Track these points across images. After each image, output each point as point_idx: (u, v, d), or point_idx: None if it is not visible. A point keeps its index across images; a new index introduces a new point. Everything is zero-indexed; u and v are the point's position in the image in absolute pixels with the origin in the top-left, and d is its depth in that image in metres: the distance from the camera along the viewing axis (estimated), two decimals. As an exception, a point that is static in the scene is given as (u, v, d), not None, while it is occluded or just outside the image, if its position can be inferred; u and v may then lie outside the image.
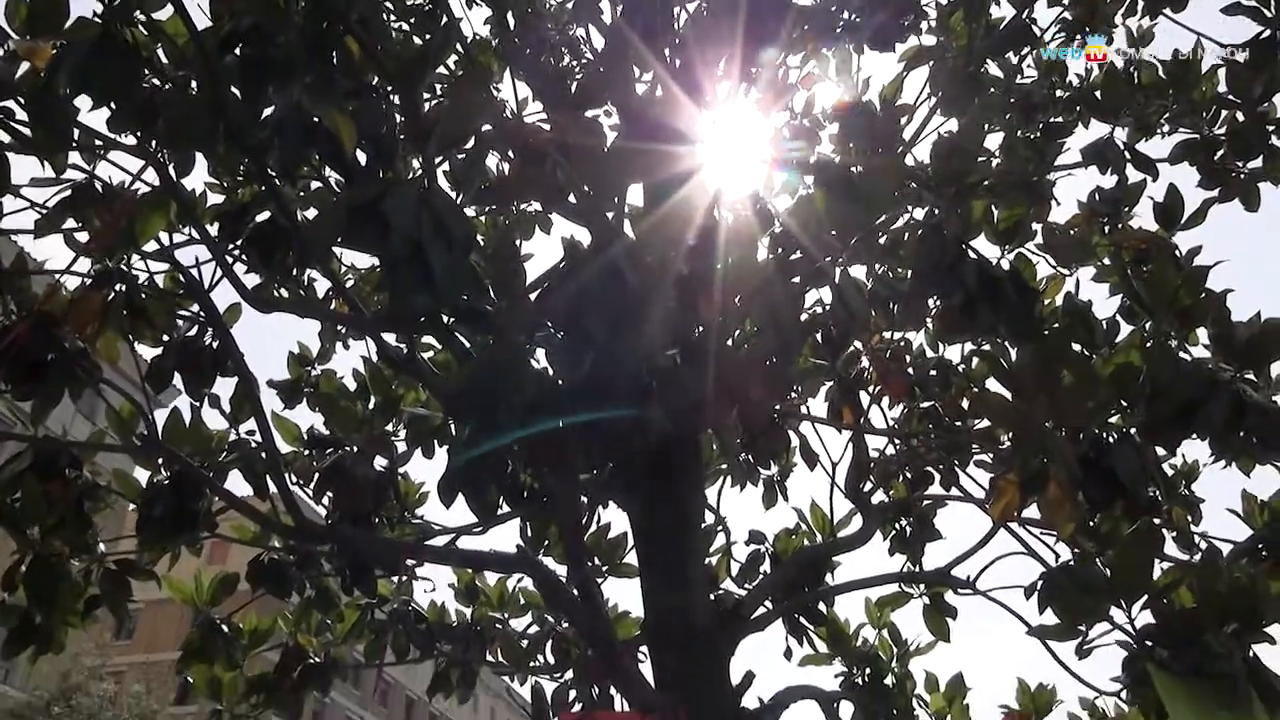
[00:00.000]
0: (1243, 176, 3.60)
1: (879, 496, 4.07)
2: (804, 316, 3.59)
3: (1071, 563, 3.03)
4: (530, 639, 4.42)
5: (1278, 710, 2.35)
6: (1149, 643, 2.55)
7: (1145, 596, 2.58)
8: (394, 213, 1.91)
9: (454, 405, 2.45)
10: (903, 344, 4.44)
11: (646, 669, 3.21)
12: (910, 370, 4.36)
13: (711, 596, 3.68)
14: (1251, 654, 2.42)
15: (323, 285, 4.67)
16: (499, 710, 52.80)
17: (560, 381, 2.64)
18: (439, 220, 1.96)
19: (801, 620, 4.08)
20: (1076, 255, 3.69)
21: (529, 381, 2.37)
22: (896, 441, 4.33)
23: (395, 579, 4.58)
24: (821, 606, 4.19)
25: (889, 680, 4.09)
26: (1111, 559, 2.69)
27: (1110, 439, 2.76)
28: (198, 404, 3.48)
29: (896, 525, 4.28)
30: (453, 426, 3.29)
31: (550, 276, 2.44)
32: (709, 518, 4.35)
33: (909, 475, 4.47)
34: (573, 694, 4.29)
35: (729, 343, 2.77)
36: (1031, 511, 3.67)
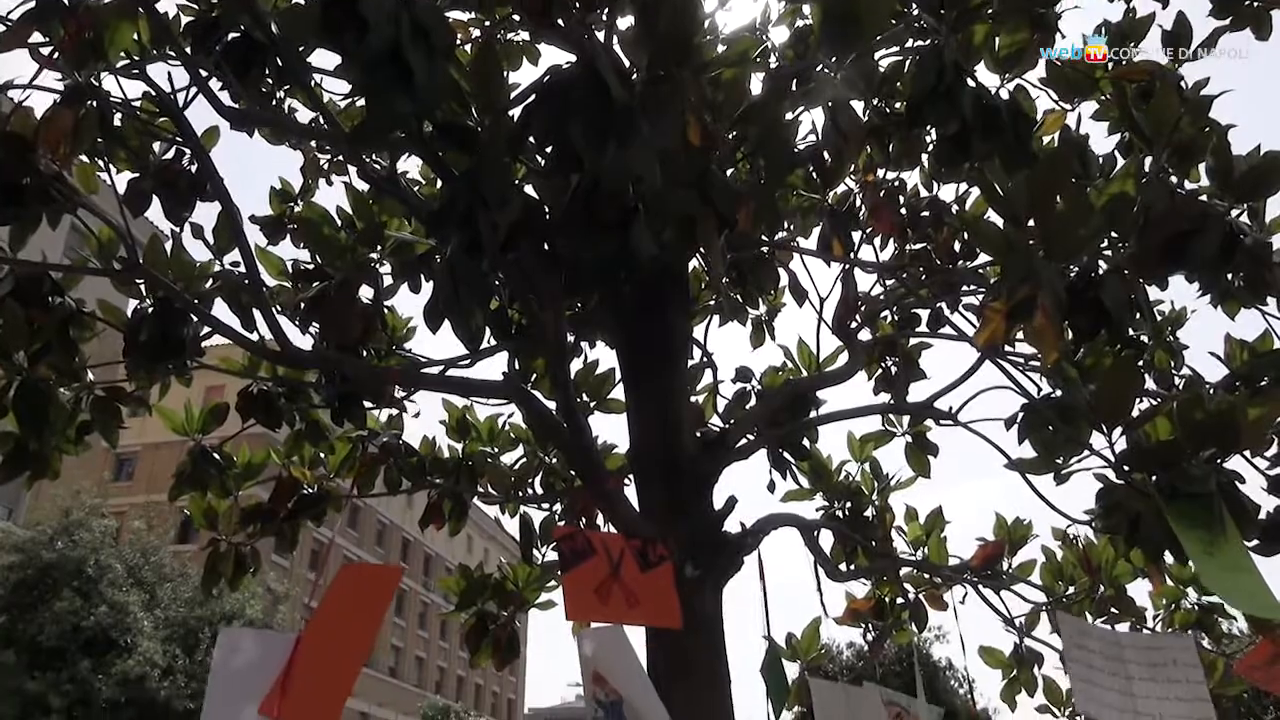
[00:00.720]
0: (1255, 4, 3.47)
1: (866, 334, 4.09)
2: (797, 148, 3.52)
3: (1054, 395, 3.07)
4: (519, 471, 4.50)
5: (1250, 528, 2.42)
6: (1126, 468, 2.61)
7: (1124, 426, 2.63)
8: (372, 11, 1.83)
9: (435, 223, 2.41)
10: (897, 184, 4.38)
11: (632, 496, 3.28)
12: (903, 210, 4.31)
13: (698, 434, 3.74)
14: (1226, 478, 2.48)
15: (304, 116, 4.54)
16: (492, 551, 54.63)
17: (545, 205, 2.60)
18: (418, 22, 1.88)
19: (785, 455, 4.16)
20: (1078, 88, 3.59)
21: (512, 200, 2.33)
22: (886, 282, 4.32)
23: (385, 412, 4.63)
24: (805, 442, 4.26)
25: (869, 513, 4.20)
26: (1095, 386, 2.72)
27: (1099, 271, 2.75)
28: (178, 228, 3.43)
29: (882, 364, 4.31)
30: (438, 256, 3.26)
31: (534, 90, 2.36)
32: (696, 355, 4.38)
33: (897, 316, 4.48)
34: (561, 524, 4.40)
35: (718, 168, 2.71)
36: (1019, 348, 3.71)
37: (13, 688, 19.35)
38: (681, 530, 2.97)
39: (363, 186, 3.58)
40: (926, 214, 4.31)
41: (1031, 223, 2.47)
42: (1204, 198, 2.93)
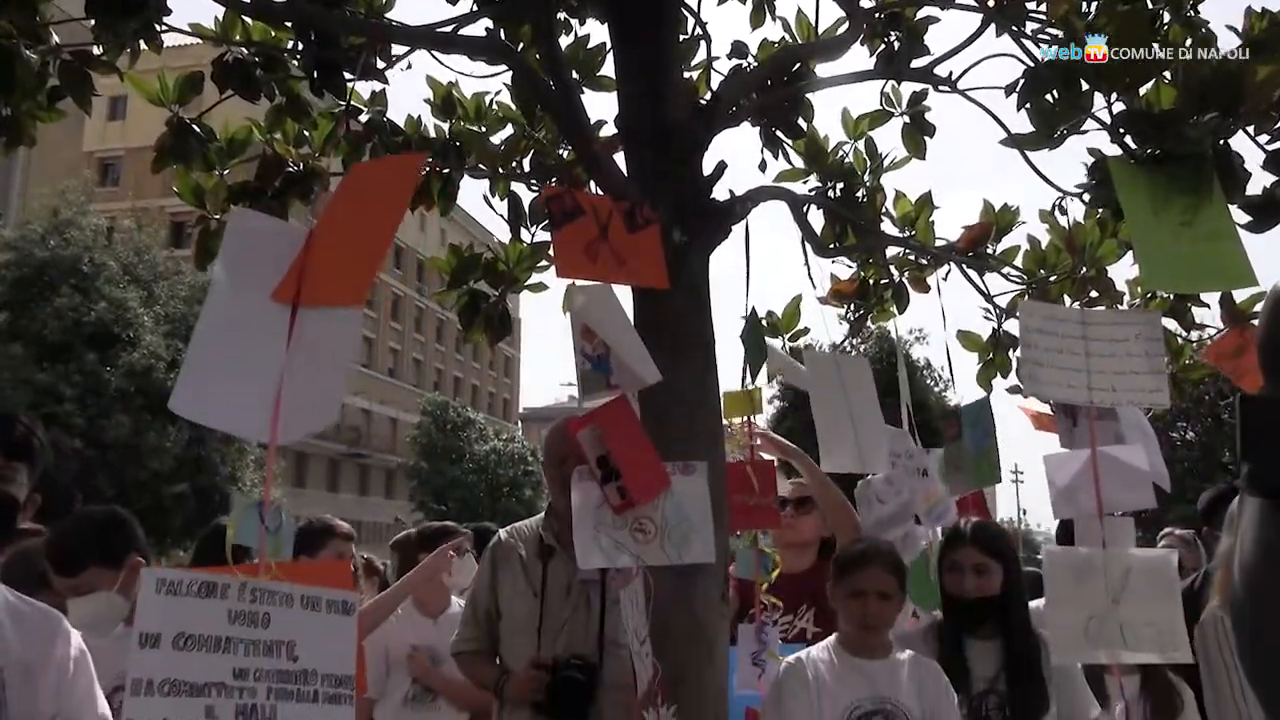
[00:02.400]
0: None
1: (868, 2, 3.87)
2: None
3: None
4: (507, 148, 4.42)
5: (1237, 193, 2.42)
6: (1122, 130, 2.56)
7: (1127, 87, 2.56)
8: None
9: None
10: None
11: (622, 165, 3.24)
12: None
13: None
14: (1222, 141, 2.44)
15: None
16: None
17: None
18: None
19: (778, 133, 4.07)
20: None
21: None
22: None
23: (368, 90, 4.48)
24: (801, 123, 4.16)
25: (860, 194, 4.18)
26: (1107, 37, 2.60)
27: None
28: None
29: (885, 40, 4.12)
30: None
31: None
32: (692, 27, 4.18)
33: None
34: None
35: None
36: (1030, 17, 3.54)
37: (23, 378, 20.12)
38: (669, 195, 2.96)
39: None
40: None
41: None
42: None
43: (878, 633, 2.82)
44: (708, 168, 3.17)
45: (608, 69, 4.17)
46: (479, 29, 3.79)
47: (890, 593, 2.81)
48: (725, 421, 3.20)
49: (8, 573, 2.75)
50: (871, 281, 4.52)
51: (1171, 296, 4.66)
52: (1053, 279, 4.45)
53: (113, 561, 2.88)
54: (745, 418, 3.45)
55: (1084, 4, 2.97)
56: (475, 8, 3.78)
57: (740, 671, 3.10)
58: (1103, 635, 2.91)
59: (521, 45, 4.05)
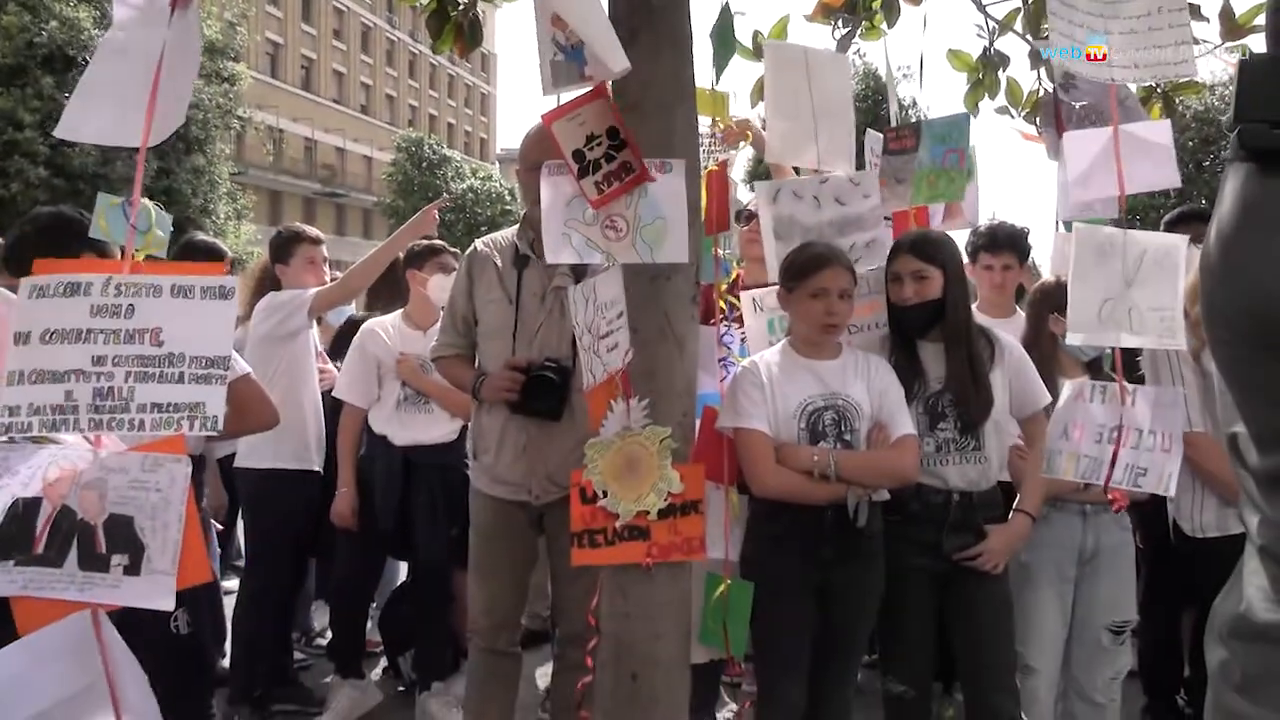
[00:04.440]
0: None
1: None
2: None
3: None
4: None
5: None
6: None
7: None
8: None
9: None
10: None
11: None
12: None
13: None
14: None
15: None
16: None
17: None
18: None
19: None
20: None
21: None
22: None
23: None
24: None
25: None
26: None
27: None
28: None
29: None
30: None
31: None
32: None
33: None
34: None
35: None
36: None
37: (-21, 103, 19.37)
38: None
39: None
40: None
41: None
42: None
43: (837, 332, 2.88)
44: None
45: None
46: None
47: (850, 292, 2.85)
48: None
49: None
50: (861, -3, 4.29)
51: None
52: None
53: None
54: (712, 119, 3.37)
55: None
56: None
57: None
58: (1114, 318, 2.94)
59: None
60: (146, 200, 3.90)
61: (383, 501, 4.17)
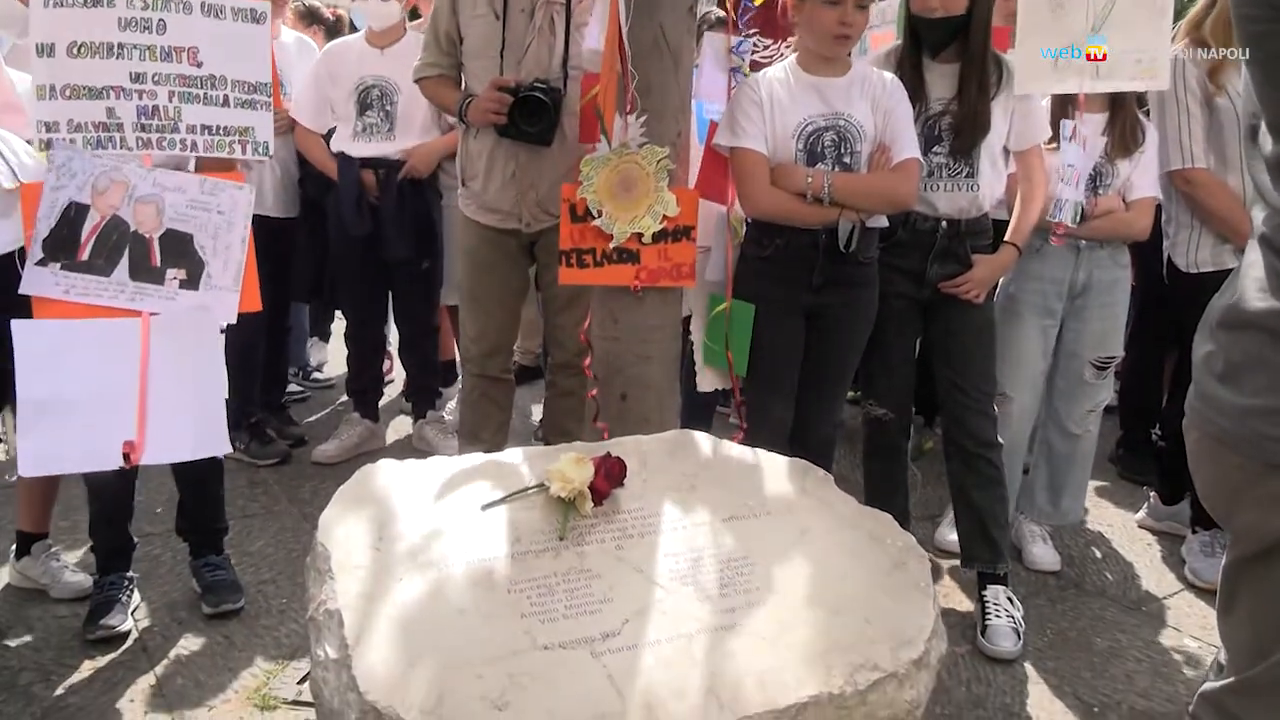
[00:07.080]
0: None
1: None
2: None
3: None
4: None
5: None
6: None
7: None
8: None
9: None
10: None
11: None
12: None
13: None
14: None
15: None
16: None
17: None
18: None
19: None
20: None
21: None
22: None
23: None
24: None
25: None
26: None
27: None
28: None
29: None
30: None
31: None
32: None
33: None
34: None
35: None
36: None
37: None
38: None
39: None
40: None
41: None
42: None
43: (848, 44, 2.70)
44: None
45: None
46: None
47: (867, 1, 2.66)
48: None
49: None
50: None
51: None
52: None
53: None
54: None
55: None
56: None
57: (704, 80, 3.05)
58: (1072, 65, 2.86)
59: None
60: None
61: (349, 210, 3.94)
